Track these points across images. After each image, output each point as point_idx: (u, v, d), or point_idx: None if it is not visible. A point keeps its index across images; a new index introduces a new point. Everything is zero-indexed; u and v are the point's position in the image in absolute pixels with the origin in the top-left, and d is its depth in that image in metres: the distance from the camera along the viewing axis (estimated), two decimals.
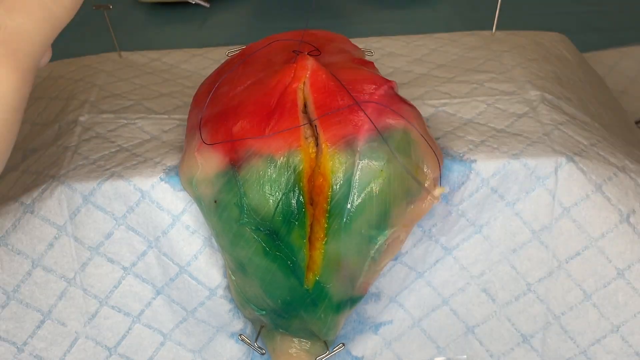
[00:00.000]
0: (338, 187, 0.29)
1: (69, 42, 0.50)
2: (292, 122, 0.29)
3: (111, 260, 0.34)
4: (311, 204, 0.30)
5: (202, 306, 0.35)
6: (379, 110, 0.30)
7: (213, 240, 0.34)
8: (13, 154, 0.36)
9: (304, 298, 0.31)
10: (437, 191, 0.31)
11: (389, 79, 0.33)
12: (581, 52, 0.53)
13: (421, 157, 0.31)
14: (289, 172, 0.29)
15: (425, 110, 0.38)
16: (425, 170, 0.31)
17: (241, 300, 0.33)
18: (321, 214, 0.29)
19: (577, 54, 0.51)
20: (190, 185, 0.31)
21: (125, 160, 0.34)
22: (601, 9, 0.81)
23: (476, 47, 0.47)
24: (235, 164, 0.30)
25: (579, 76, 0.46)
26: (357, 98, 0.30)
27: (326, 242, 0.30)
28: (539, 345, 0.36)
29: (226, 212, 0.30)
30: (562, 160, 0.33)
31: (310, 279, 0.30)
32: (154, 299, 0.35)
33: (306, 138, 0.30)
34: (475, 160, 0.33)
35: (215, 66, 0.37)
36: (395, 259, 0.35)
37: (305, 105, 0.31)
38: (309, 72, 0.31)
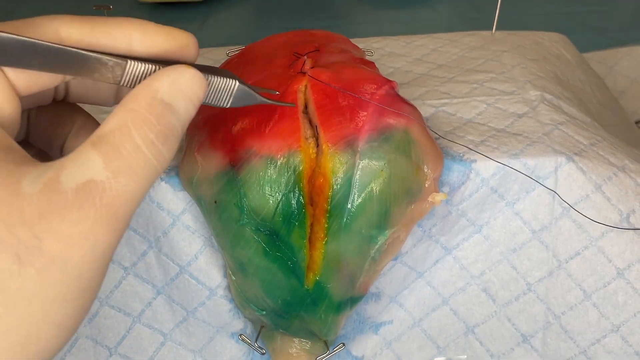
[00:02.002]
0: (338, 187, 0.29)
1: None
2: (291, 123, 0.29)
3: (112, 260, 0.34)
4: (311, 205, 0.30)
5: (203, 306, 0.35)
6: (379, 110, 0.30)
7: (213, 240, 0.34)
8: None
9: (304, 298, 0.31)
10: (438, 197, 0.31)
11: (389, 79, 0.33)
12: (581, 52, 0.53)
13: (421, 157, 0.31)
14: (289, 173, 0.29)
15: (425, 110, 0.38)
16: (425, 170, 0.31)
17: (241, 300, 0.33)
18: (321, 214, 0.29)
19: (577, 54, 0.51)
20: (190, 186, 0.31)
21: None
22: (601, 9, 0.81)
23: (476, 47, 0.47)
24: (235, 165, 0.30)
25: (578, 76, 0.46)
26: (358, 98, 0.30)
27: (326, 242, 0.30)
28: (539, 345, 0.36)
29: (226, 213, 0.30)
30: (562, 160, 0.33)
31: (311, 279, 0.30)
32: (154, 298, 0.35)
33: (306, 139, 0.30)
34: (475, 160, 0.33)
35: (215, 66, 0.37)
36: (396, 259, 0.35)
37: (306, 107, 0.31)
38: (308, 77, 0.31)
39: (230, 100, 0.25)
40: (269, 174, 0.29)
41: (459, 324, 0.37)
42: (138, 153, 0.21)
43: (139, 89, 0.22)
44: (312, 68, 0.32)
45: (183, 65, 0.23)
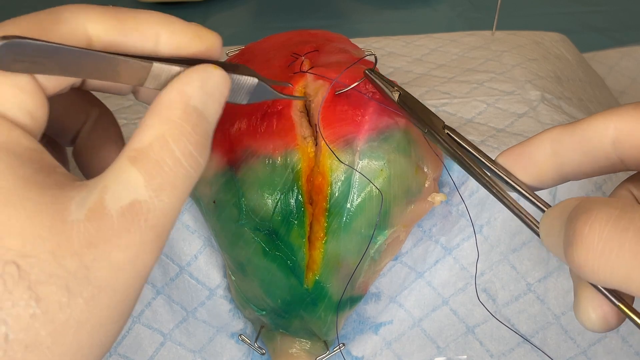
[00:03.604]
0: (337, 185, 0.29)
1: None
2: (286, 122, 0.29)
3: None
4: (310, 204, 0.30)
5: (202, 306, 0.35)
6: (379, 110, 0.30)
7: (213, 240, 0.34)
8: None
9: (304, 298, 0.31)
10: (438, 198, 0.31)
11: (390, 78, 0.33)
12: (581, 52, 0.53)
13: (421, 157, 0.30)
14: (287, 172, 0.29)
15: None
16: (425, 170, 0.31)
17: (241, 300, 0.33)
18: (321, 213, 0.29)
19: (577, 54, 0.51)
20: None
21: None
22: (601, 9, 0.81)
23: (476, 47, 0.47)
24: (233, 165, 0.30)
25: (579, 76, 0.46)
26: (359, 98, 0.30)
27: (326, 241, 0.30)
28: (539, 345, 0.36)
29: (225, 213, 0.30)
30: None
31: (310, 278, 0.30)
32: (154, 299, 0.35)
33: (305, 137, 0.30)
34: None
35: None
36: (395, 259, 0.35)
37: (305, 107, 0.31)
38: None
39: (248, 97, 0.25)
40: (267, 173, 0.29)
41: (459, 324, 0.36)
42: (179, 167, 0.20)
43: (171, 94, 0.21)
44: (312, 68, 0.32)
45: (210, 66, 0.22)
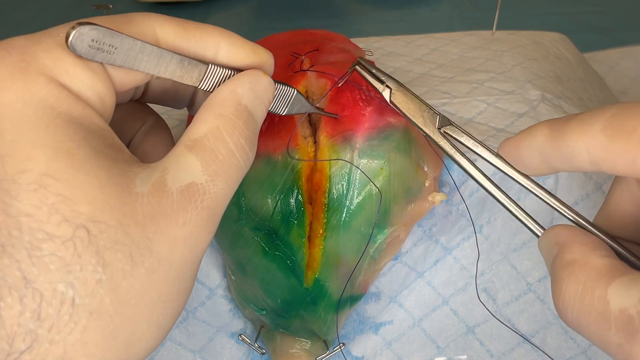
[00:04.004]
0: (335, 179, 0.29)
1: None
2: (288, 121, 0.29)
3: None
4: (310, 203, 0.30)
5: (202, 306, 0.35)
6: (380, 108, 0.30)
7: (213, 239, 0.34)
8: None
9: (304, 297, 0.31)
10: (438, 197, 0.31)
11: (386, 72, 0.32)
12: (581, 52, 0.53)
13: (422, 156, 0.30)
14: (287, 172, 0.29)
15: None
16: (425, 169, 0.31)
17: (241, 300, 0.33)
18: (320, 210, 0.29)
19: (577, 54, 0.51)
20: None
21: None
22: (601, 9, 0.81)
23: (476, 47, 0.47)
24: None
25: (579, 76, 0.46)
26: (360, 96, 0.30)
27: (325, 238, 0.30)
28: (539, 345, 0.36)
29: (225, 212, 0.30)
30: None
31: (310, 277, 0.30)
32: None
33: (305, 137, 0.30)
34: (475, 160, 0.33)
35: None
36: (395, 258, 0.35)
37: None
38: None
39: (287, 109, 0.27)
40: (267, 173, 0.29)
41: (459, 324, 0.36)
42: (232, 157, 0.22)
43: (224, 94, 0.23)
44: (312, 67, 0.32)
45: (259, 71, 0.24)
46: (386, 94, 0.28)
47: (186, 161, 0.21)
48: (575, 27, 0.76)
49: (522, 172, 0.24)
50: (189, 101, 0.27)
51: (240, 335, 0.35)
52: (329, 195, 0.29)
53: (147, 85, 0.25)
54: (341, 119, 0.30)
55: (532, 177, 0.24)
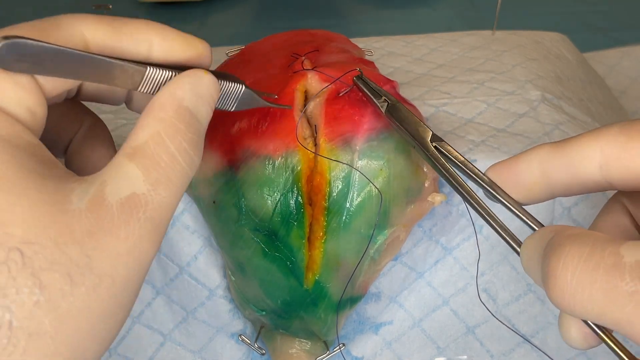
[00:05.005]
0: (335, 183, 0.29)
1: None
2: (288, 122, 0.29)
3: None
4: (310, 205, 0.30)
5: (202, 306, 0.35)
6: (379, 110, 0.30)
7: (213, 240, 0.34)
8: None
9: (304, 298, 0.31)
10: (438, 198, 0.31)
11: (390, 78, 0.32)
12: (581, 52, 0.53)
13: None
14: (287, 173, 0.29)
15: (425, 110, 0.38)
16: (425, 169, 0.31)
17: (241, 300, 0.33)
18: (320, 212, 0.29)
19: (577, 54, 0.51)
20: (189, 186, 0.31)
21: None
22: (601, 9, 0.81)
23: (476, 47, 0.47)
24: (233, 165, 0.30)
25: (579, 76, 0.46)
26: (359, 98, 0.30)
27: (325, 241, 0.30)
28: (540, 345, 0.36)
29: (225, 213, 0.30)
30: None
31: (310, 278, 0.30)
32: (154, 299, 0.35)
33: (305, 138, 0.30)
34: (475, 160, 0.33)
35: (215, 66, 0.37)
36: (395, 259, 0.35)
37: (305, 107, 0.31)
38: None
39: (236, 104, 0.26)
40: (267, 174, 0.29)
41: (459, 324, 0.36)
42: (175, 163, 0.21)
43: (164, 97, 0.22)
44: (313, 68, 0.32)
45: (200, 70, 0.23)
46: (383, 107, 0.28)
47: (126, 171, 0.20)
48: (575, 27, 0.76)
49: (512, 196, 0.23)
50: (126, 97, 0.26)
51: (240, 335, 0.35)
52: (329, 199, 0.29)
53: (81, 83, 0.25)
54: (340, 120, 0.30)
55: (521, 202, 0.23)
